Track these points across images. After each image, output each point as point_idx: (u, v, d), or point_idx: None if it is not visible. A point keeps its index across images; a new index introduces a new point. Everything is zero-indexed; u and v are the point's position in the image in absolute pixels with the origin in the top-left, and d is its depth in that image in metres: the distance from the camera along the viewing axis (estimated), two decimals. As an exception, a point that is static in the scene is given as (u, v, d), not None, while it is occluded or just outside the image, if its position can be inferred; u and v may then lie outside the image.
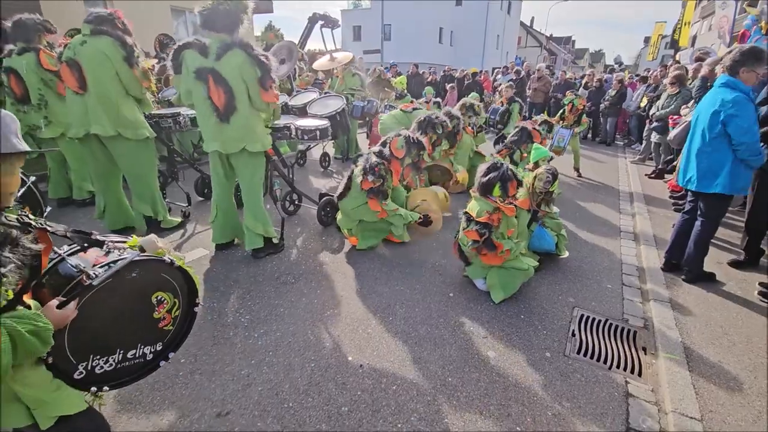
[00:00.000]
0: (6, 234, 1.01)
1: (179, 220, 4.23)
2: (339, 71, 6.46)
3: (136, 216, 3.89)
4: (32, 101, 4.21)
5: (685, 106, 5.71)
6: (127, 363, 1.41)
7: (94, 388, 1.33)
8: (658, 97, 8.07)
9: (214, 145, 3.14)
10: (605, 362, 2.51)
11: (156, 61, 5.11)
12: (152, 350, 1.48)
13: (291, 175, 4.42)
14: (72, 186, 4.74)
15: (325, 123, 3.78)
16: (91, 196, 4.62)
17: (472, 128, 5.78)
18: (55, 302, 1.15)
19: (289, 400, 2.09)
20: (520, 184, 3.05)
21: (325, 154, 6.72)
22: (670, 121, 6.09)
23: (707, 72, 5.31)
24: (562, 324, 2.86)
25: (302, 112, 4.18)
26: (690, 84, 6.37)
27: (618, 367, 2.48)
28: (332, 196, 4.36)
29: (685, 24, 18.91)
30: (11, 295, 1.01)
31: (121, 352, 1.39)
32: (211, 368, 2.28)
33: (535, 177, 3.43)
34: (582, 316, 2.97)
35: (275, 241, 3.63)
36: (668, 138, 4.83)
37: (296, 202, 4.63)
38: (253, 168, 3.30)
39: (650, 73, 9.44)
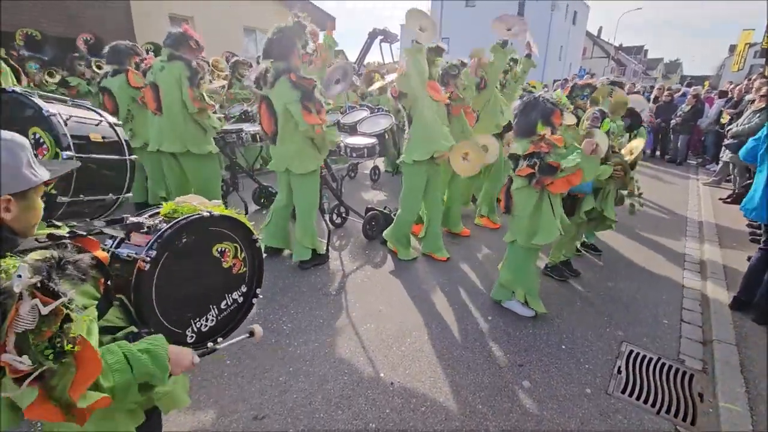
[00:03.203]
0: (48, 262, 0.95)
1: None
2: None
3: None
4: (120, 116, 4.79)
5: (770, 125, 5.15)
6: (225, 312, 1.57)
7: (210, 343, 1.49)
8: (740, 114, 7.38)
9: (271, 163, 3.48)
10: (653, 405, 2.34)
11: (226, 81, 5.58)
12: (240, 294, 1.62)
13: (340, 188, 4.61)
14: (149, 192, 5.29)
15: (373, 141, 3.91)
16: (164, 201, 5.13)
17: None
18: (190, 351, 1.24)
19: (320, 411, 2.19)
20: (561, 113, 2.83)
21: (375, 168, 6.90)
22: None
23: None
24: (607, 359, 2.71)
25: (353, 129, 4.36)
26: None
27: (668, 412, 2.31)
28: (378, 210, 4.48)
29: (778, 31, 16.99)
30: (85, 318, 1.00)
31: (215, 306, 1.53)
32: (252, 372, 2.44)
33: (583, 119, 3.32)
34: (631, 352, 2.79)
35: (320, 252, 3.80)
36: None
37: (343, 215, 4.80)
38: (302, 186, 3.51)
39: (731, 87, 8.61)
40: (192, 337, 1.44)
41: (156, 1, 11.26)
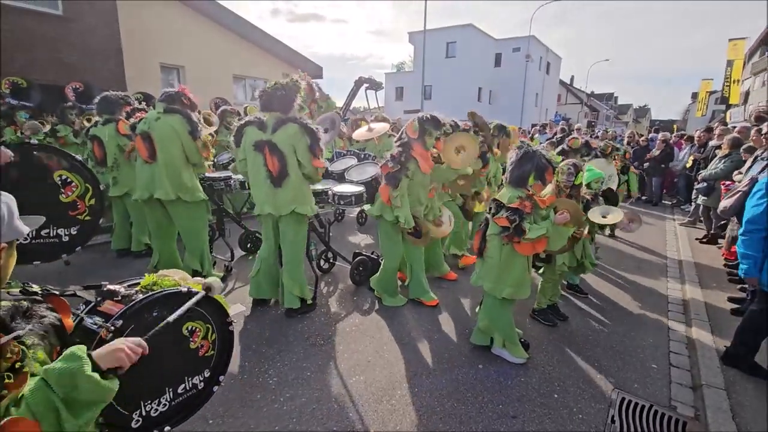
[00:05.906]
0: (16, 307, 1.01)
1: (222, 274, 4.48)
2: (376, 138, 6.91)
3: (186, 270, 4.19)
4: (108, 164, 4.80)
5: (738, 171, 5.45)
6: (181, 398, 1.43)
7: None
8: (705, 159, 7.81)
9: (267, 208, 3.44)
10: (649, 457, 2.30)
11: (215, 129, 5.69)
12: (201, 379, 1.49)
13: (328, 233, 4.62)
14: (132, 239, 5.20)
15: (360, 189, 3.98)
16: (147, 248, 5.04)
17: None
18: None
19: (308, 474, 2.08)
20: (554, 170, 2.95)
21: (362, 211, 6.97)
22: (722, 188, 5.82)
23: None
24: (600, 408, 2.68)
25: (340, 177, 4.44)
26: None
27: (664, 463, 2.26)
28: (366, 255, 4.49)
29: (734, 82, 18.47)
30: (40, 358, 1.00)
31: (171, 389, 1.40)
32: (236, 432, 2.33)
33: (557, 172, 3.36)
34: (623, 399, 2.77)
35: (308, 300, 3.75)
36: (719, 209, 4.58)
37: (331, 260, 4.78)
38: (297, 230, 3.54)
39: (696, 133, 9.21)
40: (138, 421, 1.32)
41: (147, 50, 11.64)
